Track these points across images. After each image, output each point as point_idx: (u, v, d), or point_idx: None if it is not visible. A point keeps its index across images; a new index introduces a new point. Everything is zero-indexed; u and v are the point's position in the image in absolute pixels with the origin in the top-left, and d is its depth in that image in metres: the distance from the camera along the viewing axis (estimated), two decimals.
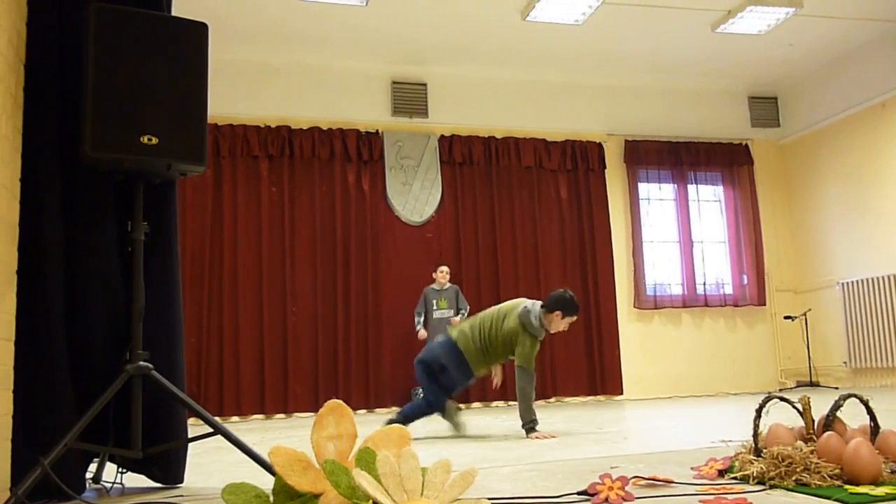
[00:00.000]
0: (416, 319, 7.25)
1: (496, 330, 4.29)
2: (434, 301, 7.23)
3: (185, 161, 2.42)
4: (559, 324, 4.24)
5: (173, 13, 2.68)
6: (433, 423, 4.68)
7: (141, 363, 2.35)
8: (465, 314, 7.04)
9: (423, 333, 7.14)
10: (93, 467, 2.59)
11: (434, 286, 7.29)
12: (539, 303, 4.28)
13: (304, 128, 7.53)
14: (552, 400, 7.66)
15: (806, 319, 8.30)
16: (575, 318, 4.31)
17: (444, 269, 7.31)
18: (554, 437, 3.94)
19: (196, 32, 2.49)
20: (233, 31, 6.95)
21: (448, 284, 7.29)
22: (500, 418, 5.56)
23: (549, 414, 5.96)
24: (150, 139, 2.33)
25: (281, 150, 7.44)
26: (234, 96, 7.31)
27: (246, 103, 7.42)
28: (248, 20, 6.79)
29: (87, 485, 2.49)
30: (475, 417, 5.88)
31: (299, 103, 7.61)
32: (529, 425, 4.08)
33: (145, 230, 2.45)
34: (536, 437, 3.94)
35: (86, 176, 2.43)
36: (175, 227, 2.68)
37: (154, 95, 2.37)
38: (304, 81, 7.67)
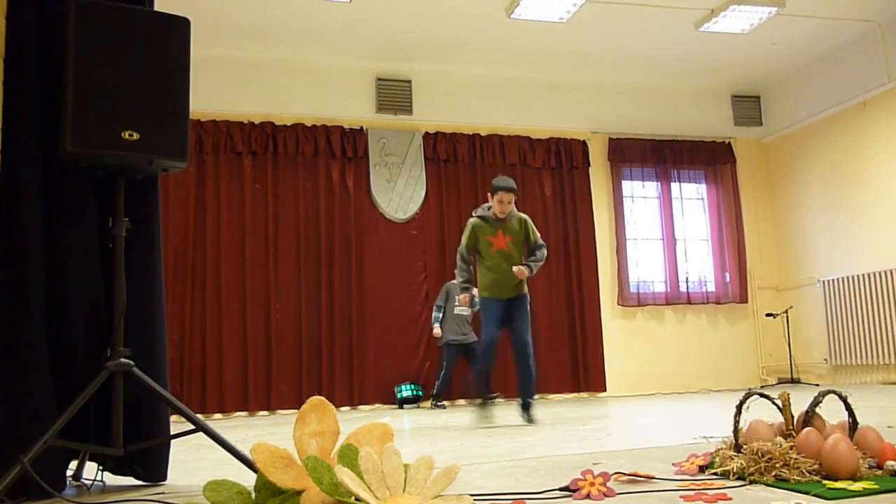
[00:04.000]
0: (434, 315, 7.16)
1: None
2: (456, 297, 7.16)
3: (167, 157, 2.41)
4: (494, 204, 4.82)
5: (155, 8, 2.66)
6: (423, 418, 4.67)
7: (122, 360, 2.33)
8: None
9: (437, 331, 7.08)
10: (74, 465, 2.57)
11: (454, 281, 7.23)
12: None
13: (288, 124, 7.51)
14: (536, 397, 7.66)
15: (787, 317, 8.38)
16: (502, 193, 4.79)
17: None
18: (473, 307, 4.88)
19: (178, 27, 2.47)
20: (216, 27, 6.91)
21: None
22: None
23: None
24: (131, 135, 2.31)
25: (265, 146, 7.41)
26: (217, 92, 7.28)
27: (229, 99, 7.39)
28: (231, 15, 6.76)
29: (68, 482, 2.47)
30: (460, 414, 5.89)
31: (283, 99, 7.58)
32: (461, 285, 5.00)
33: (127, 226, 2.43)
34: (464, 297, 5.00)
35: (66, 172, 2.40)
36: (157, 223, 2.65)
37: (135, 91, 2.35)
38: (288, 78, 7.64)
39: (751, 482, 2.06)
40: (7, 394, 2.21)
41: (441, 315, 7.13)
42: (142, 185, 2.58)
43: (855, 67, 7.78)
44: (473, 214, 5.02)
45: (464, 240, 4.99)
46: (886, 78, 7.43)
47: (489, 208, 4.91)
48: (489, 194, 4.92)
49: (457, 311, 7.01)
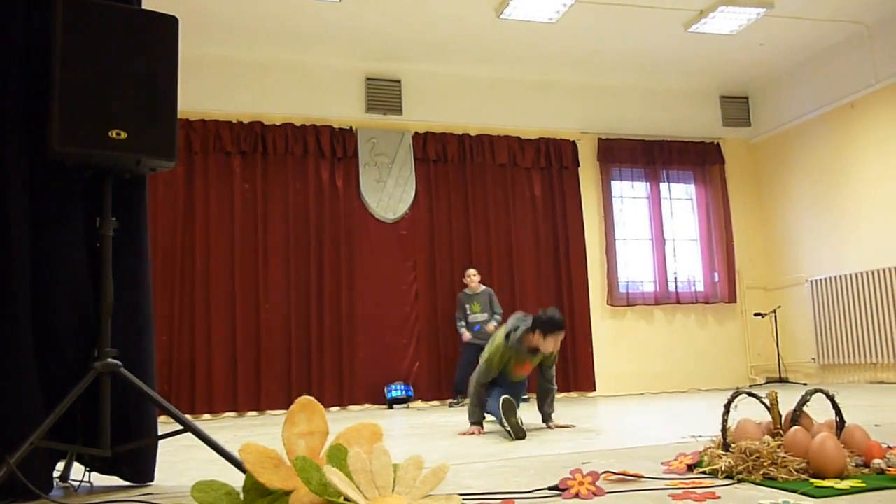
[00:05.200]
0: (458, 325, 7.27)
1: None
2: (467, 305, 7.26)
3: (155, 156, 2.39)
4: (539, 342, 4.15)
5: (144, 6, 2.65)
6: (414, 418, 4.67)
7: (109, 360, 2.32)
8: (500, 318, 6.93)
9: (466, 335, 7.14)
10: (62, 466, 2.55)
11: (466, 290, 7.33)
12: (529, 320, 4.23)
13: (278, 124, 7.48)
14: (525, 396, 7.67)
15: (775, 316, 8.41)
16: (556, 334, 4.15)
17: (472, 271, 7.35)
18: (476, 433, 4.12)
19: (167, 26, 2.46)
20: (205, 26, 6.88)
21: (481, 288, 7.29)
22: None
23: (521, 410, 5.96)
24: (118, 134, 2.30)
25: (254, 146, 7.38)
26: (206, 92, 7.25)
27: (218, 99, 7.35)
28: (220, 15, 6.73)
29: (55, 483, 2.45)
30: (450, 416, 5.89)
31: (272, 99, 7.56)
32: (469, 419, 4.29)
33: (114, 226, 2.41)
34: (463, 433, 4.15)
35: (53, 171, 2.39)
36: (145, 223, 2.64)
37: (123, 90, 2.34)
38: (277, 77, 7.62)
39: (739, 481, 2.07)
40: None
41: (464, 322, 7.24)
42: (130, 185, 2.56)
43: (843, 68, 7.83)
44: (510, 335, 4.27)
45: (493, 364, 4.33)
46: (874, 79, 7.47)
47: (521, 340, 4.23)
48: (539, 332, 4.12)
49: (471, 318, 7.21)
